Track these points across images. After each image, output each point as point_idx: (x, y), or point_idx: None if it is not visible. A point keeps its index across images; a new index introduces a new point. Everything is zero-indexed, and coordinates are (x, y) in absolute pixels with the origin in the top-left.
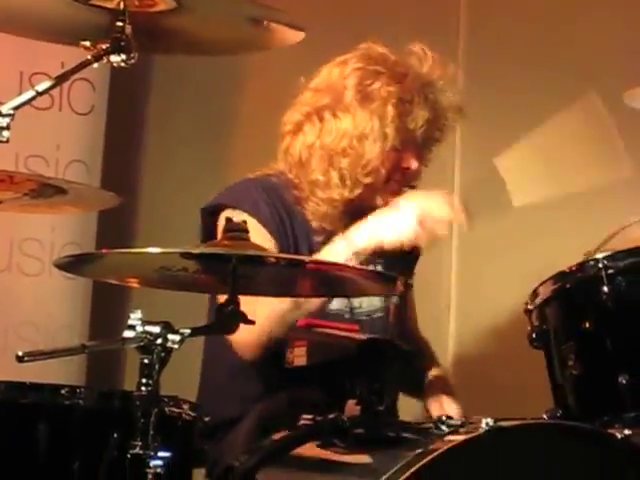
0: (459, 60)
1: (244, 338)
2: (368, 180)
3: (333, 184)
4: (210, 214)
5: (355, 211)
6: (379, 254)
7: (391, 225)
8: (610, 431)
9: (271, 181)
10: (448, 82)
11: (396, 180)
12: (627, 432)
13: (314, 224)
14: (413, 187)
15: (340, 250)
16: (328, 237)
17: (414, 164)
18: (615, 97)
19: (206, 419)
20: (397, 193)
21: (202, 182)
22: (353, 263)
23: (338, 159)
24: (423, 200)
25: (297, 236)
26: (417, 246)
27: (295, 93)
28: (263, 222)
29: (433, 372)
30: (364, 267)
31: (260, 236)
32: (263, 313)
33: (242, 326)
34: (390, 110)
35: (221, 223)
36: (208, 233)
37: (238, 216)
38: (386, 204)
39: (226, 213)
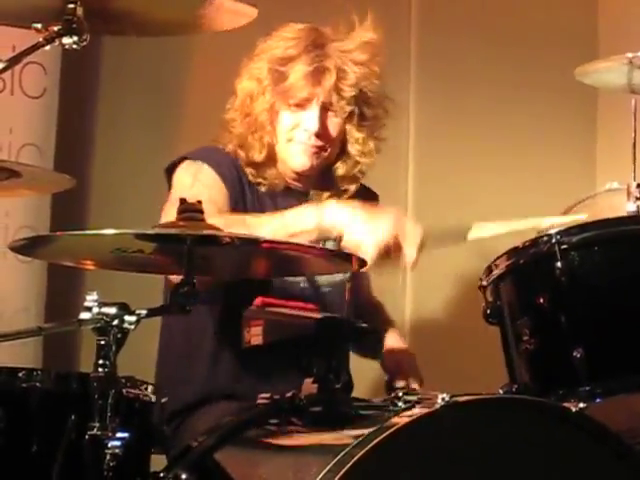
0: (411, 41)
1: None
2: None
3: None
4: (171, 171)
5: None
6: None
7: (363, 227)
8: (565, 405)
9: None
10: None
11: (302, 142)
12: (582, 405)
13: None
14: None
15: (307, 218)
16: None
17: (312, 124)
18: (567, 73)
19: (163, 400)
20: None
21: (154, 163)
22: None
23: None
24: (401, 220)
25: (253, 198)
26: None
27: (226, 74)
28: (222, 174)
29: (391, 339)
30: (319, 246)
31: (216, 186)
32: None
33: None
34: (264, 66)
35: (180, 171)
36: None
37: (199, 166)
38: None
39: (186, 163)
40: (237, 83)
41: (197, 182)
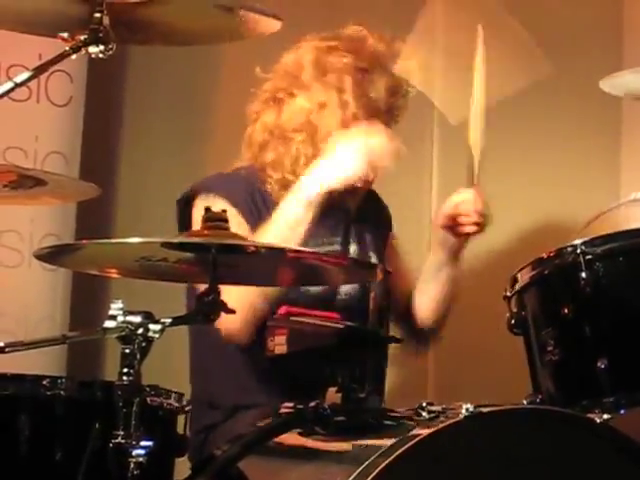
0: (438, 41)
1: (232, 323)
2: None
3: (286, 164)
4: (185, 203)
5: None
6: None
7: (338, 165)
8: (589, 416)
9: (241, 174)
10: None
11: None
12: (606, 417)
13: None
14: None
15: (293, 205)
16: None
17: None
18: (591, 82)
19: (187, 408)
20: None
21: (180, 172)
22: (309, 215)
23: (293, 136)
24: (364, 135)
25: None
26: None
27: (254, 84)
28: (236, 206)
29: None
30: (344, 256)
31: (234, 221)
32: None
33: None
34: (347, 79)
35: (196, 210)
36: (184, 223)
37: (212, 201)
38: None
39: (200, 198)
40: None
41: None
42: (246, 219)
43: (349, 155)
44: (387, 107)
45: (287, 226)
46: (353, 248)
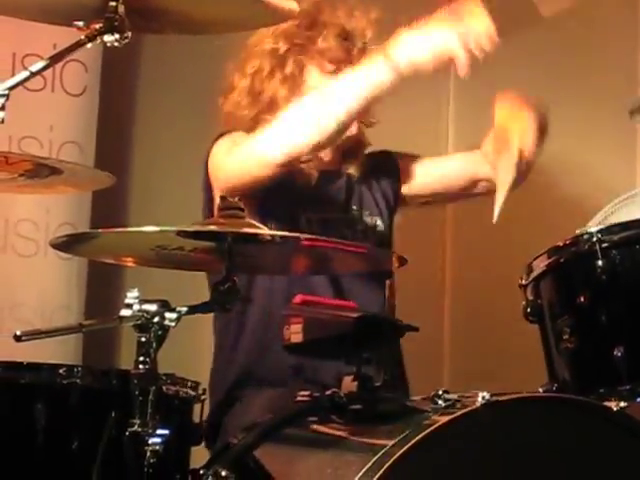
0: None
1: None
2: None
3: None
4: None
5: None
6: None
7: (432, 43)
8: (606, 404)
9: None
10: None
11: None
12: (623, 404)
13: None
14: None
15: (380, 71)
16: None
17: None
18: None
19: (203, 397)
20: None
21: (194, 161)
22: (392, 86)
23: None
24: (463, 15)
25: None
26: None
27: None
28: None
29: None
30: (358, 244)
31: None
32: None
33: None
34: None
35: (217, 147)
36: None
37: (236, 136)
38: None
39: (225, 136)
40: (239, 69)
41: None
42: None
43: (443, 28)
44: (345, 51)
45: (368, 88)
46: (354, 214)
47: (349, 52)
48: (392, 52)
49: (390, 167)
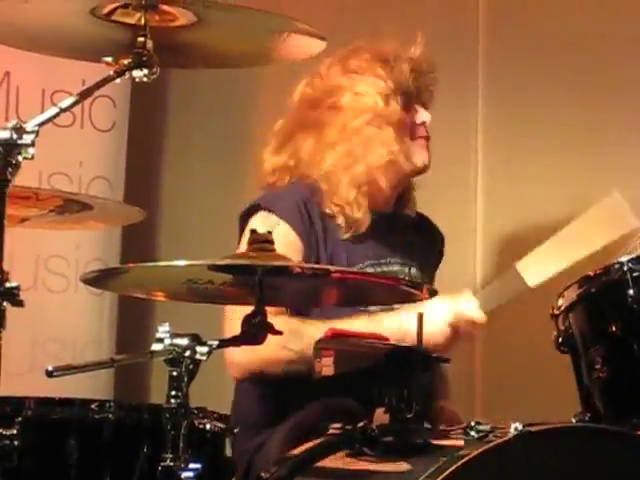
0: (479, 46)
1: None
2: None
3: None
4: (246, 216)
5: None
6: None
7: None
8: (639, 433)
9: (308, 188)
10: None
11: (421, 136)
12: None
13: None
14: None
15: (369, 326)
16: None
17: (426, 115)
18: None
19: (235, 430)
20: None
21: (223, 195)
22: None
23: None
24: (454, 302)
25: (328, 243)
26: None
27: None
28: (295, 229)
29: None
30: (391, 276)
31: (291, 246)
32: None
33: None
34: (380, 71)
35: (248, 226)
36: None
37: (272, 222)
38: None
39: (260, 217)
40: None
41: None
42: (303, 242)
43: (436, 320)
44: (416, 87)
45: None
46: (413, 270)
47: None
48: (382, 321)
49: (436, 247)
